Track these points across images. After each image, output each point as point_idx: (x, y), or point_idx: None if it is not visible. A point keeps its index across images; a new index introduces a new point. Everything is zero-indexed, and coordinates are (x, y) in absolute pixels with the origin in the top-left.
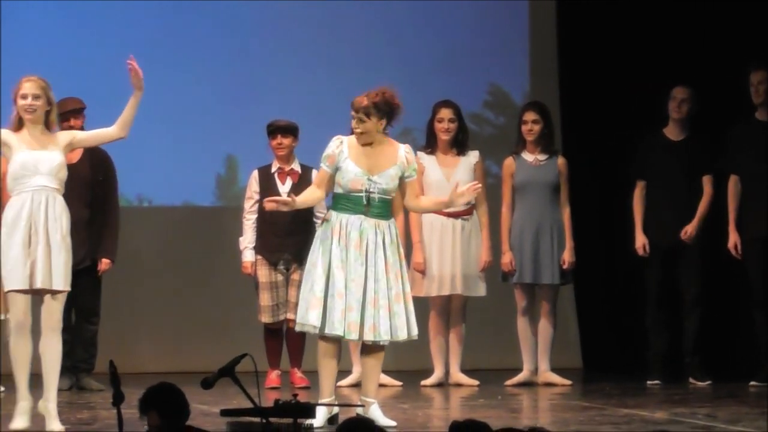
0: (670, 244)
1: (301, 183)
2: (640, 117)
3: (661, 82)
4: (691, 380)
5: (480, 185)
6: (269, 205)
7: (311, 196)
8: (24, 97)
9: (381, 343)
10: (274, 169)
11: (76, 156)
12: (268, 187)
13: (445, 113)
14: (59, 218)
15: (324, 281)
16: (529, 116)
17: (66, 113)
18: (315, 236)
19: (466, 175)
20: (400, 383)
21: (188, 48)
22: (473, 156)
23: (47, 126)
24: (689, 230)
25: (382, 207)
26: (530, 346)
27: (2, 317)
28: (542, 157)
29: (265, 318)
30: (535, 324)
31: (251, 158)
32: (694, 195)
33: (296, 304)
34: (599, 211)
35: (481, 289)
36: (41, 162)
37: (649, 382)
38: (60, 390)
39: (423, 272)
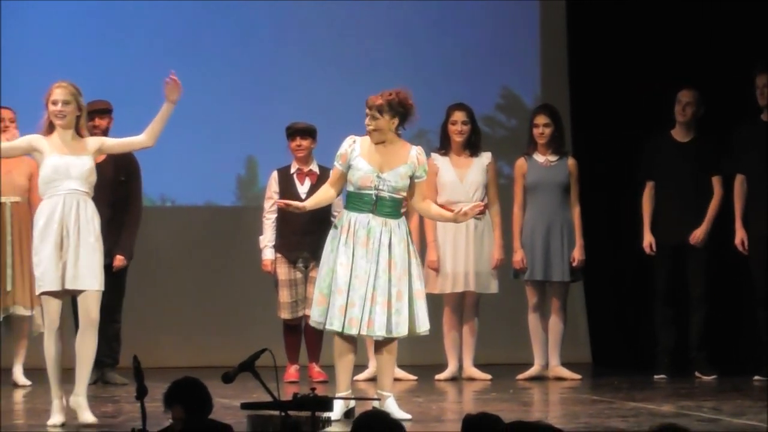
0: (677, 242)
1: (320, 183)
2: (649, 118)
3: (669, 83)
4: (697, 374)
5: (482, 204)
6: (280, 204)
7: (324, 195)
8: (54, 102)
9: (375, 338)
10: (293, 170)
11: (101, 156)
12: (287, 188)
13: (459, 116)
14: (91, 221)
15: (329, 279)
16: (540, 120)
17: (92, 113)
18: (329, 233)
19: (479, 176)
20: (415, 377)
21: (210, 52)
22: (486, 157)
23: (77, 131)
24: (699, 234)
25: (392, 206)
26: (541, 341)
27: (30, 313)
28: (553, 158)
29: (284, 314)
30: (545, 320)
31: (271, 159)
32: (701, 195)
33: None
34: (608, 210)
35: (493, 287)
36: (72, 167)
37: (655, 377)
38: None
39: (437, 270)
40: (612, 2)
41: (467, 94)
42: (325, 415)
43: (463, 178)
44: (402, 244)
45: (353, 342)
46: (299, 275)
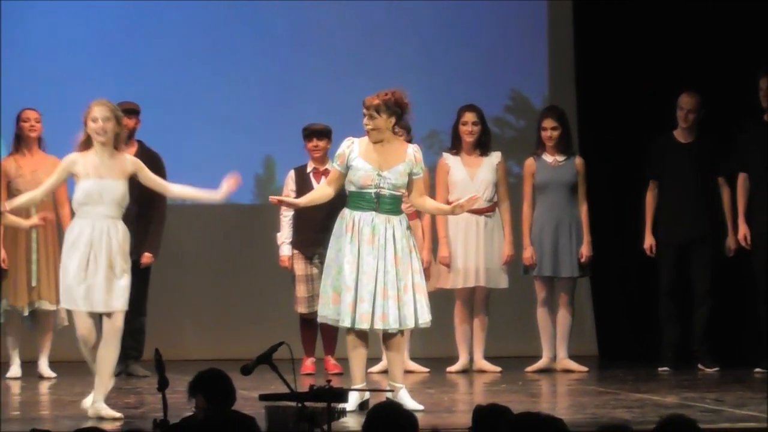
0: (681, 240)
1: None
2: (654, 119)
3: (674, 84)
4: (700, 367)
5: (478, 196)
6: (273, 200)
7: (320, 193)
8: (95, 120)
9: (390, 331)
10: (309, 169)
11: (130, 153)
12: (303, 186)
13: (469, 117)
14: (122, 244)
15: (338, 277)
16: (548, 123)
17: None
18: (332, 233)
19: (489, 175)
20: (428, 370)
21: (230, 56)
22: (495, 157)
23: (116, 147)
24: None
25: (392, 203)
26: (549, 334)
27: (55, 308)
28: (561, 158)
29: (301, 309)
30: (554, 314)
31: (287, 159)
32: (704, 194)
33: None
34: (614, 208)
35: (503, 282)
36: (105, 192)
37: (659, 369)
38: None
39: (449, 266)
40: (617, 6)
41: (478, 95)
42: (341, 406)
43: (473, 176)
44: (404, 240)
45: (365, 336)
46: (315, 271)
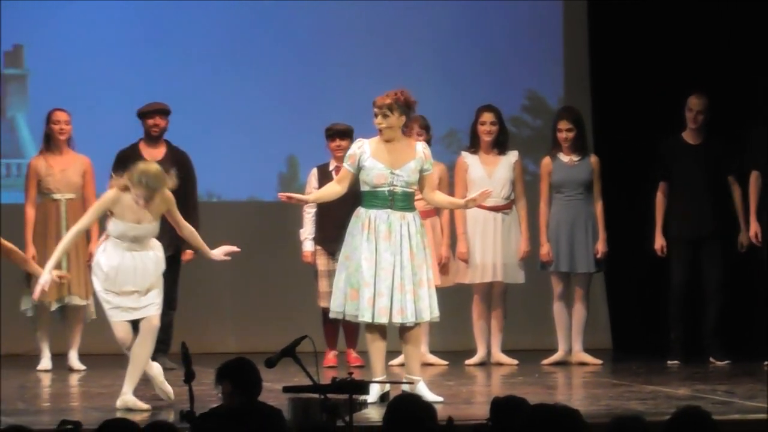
0: (692, 237)
1: (356, 181)
2: (667, 119)
3: (687, 85)
4: (711, 360)
5: (490, 191)
6: (283, 197)
7: (329, 190)
8: (136, 194)
9: (408, 325)
10: (331, 167)
11: (160, 154)
12: (325, 184)
13: (487, 117)
14: (157, 266)
15: (357, 274)
16: (563, 125)
17: (153, 112)
18: (347, 231)
19: (506, 173)
20: (446, 362)
21: (255, 58)
22: (512, 155)
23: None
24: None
25: (406, 199)
26: (565, 328)
27: (86, 303)
28: (576, 157)
29: (324, 303)
30: (569, 308)
31: (310, 157)
32: (713, 193)
33: None
34: (628, 205)
35: (520, 277)
36: (140, 234)
37: (669, 362)
38: None
39: (467, 261)
40: (631, 8)
41: (495, 96)
42: (362, 398)
43: (491, 174)
44: (418, 235)
45: (383, 330)
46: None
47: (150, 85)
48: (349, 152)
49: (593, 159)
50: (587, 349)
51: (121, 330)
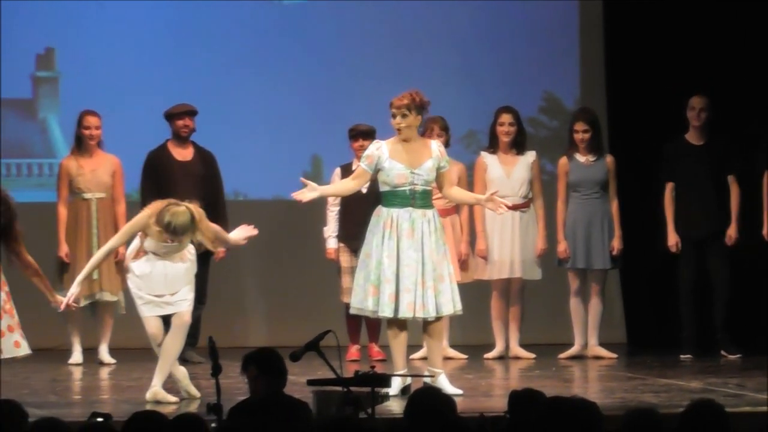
0: (699, 236)
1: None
2: (681, 120)
3: (702, 86)
4: (723, 353)
5: (505, 208)
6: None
7: (343, 186)
8: (167, 230)
9: (430, 319)
10: (354, 167)
11: (189, 154)
12: None
13: (506, 118)
14: (189, 271)
15: (378, 271)
16: (580, 126)
17: (182, 113)
18: (367, 229)
19: (524, 173)
20: (466, 356)
21: (279, 60)
22: (530, 156)
23: None
24: (731, 234)
25: (425, 197)
26: (581, 323)
27: (116, 299)
28: (592, 158)
29: (346, 298)
30: (585, 304)
31: (333, 157)
32: (718, 192)
33: None
34: (643, 204)
35: (537, 273)
36: (171, 252)
37: (681, 356)
38: None
39: (486, 258)
40: (645, 10)
41: (513, 97)
42: (384, 390)
43: (509, 174)
44: (437, 232)
45: (405, 324)
46: None
47: (178, 87)
48: (367, 152)
49: (609, 159)
50: (603, 344)
51: (152, 326)
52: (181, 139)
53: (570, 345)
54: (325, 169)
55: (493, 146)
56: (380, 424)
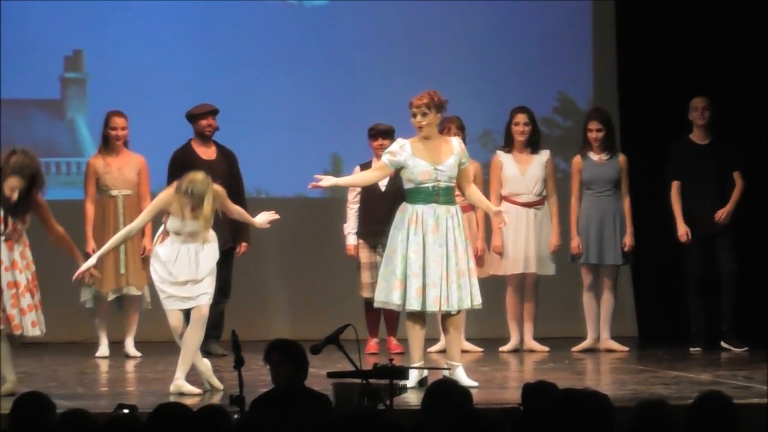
0: (705, 232)
1: (397, 177)
2: (689, 120)
3: (713, 86)
4: (729, 346)
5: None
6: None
7: (363, 177)
8: (183, 203)
9: (452, 313)
10: (373, 165)
11: (213, 153)
12: None
13: (521, 118)
14: (212, 256)
15: (403, 265)
16: (594, 125)
17: (207, 113)
18: (392, 225)
19: (539, 171)
20: (481, 349)
21: (300, 61)
22: (544, 154)
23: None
24: (722, 213)
25: (449, 193)
26: (594, 317)
27: (141, 293)
28: (605, 156)
29: (366, 293)
30: (598, 298)
31: (353, 156)
32: (723, 189)
33: None
34: (655, 202)
35: (551, 269)
36: (194, 231)
37: (691, 349)
38: None
39: (501, 254)
40: (657, 11)
41: (528, 98)
42: (402, 383)
43: (524, 172)
44: (460, 228)
45: (424, 318)
46: (379, 259)
47: (201, 87)
48: (391, 148)
49: (621, 158)
50: (614, 337)
51: (174, 318)
52: (204, 138)
53: (583, 338)
54: (344, 167)
55: (508, 145)
56: (398, 415)
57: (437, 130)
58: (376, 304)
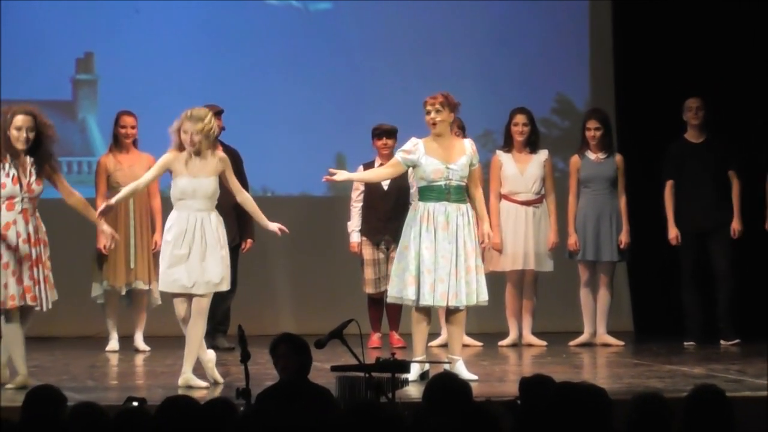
0: (700, 229)
1: (401, 176)
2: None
3: (710, 86)
4: (723, 341)
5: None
6: (330, 171)
7: (376, 172)
8: (185, 132)
9: (461, 308)
10: (377, 164)
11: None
12: None
13: (520, 118)
14: (215, 230)
15: (416, 261)
16: (592, 124)
17: (214, 114)
18: (405, 223)
19: (537, 170)
20: (481, 344)
21: (305, 62)
22: (543, 154)
23: (208, 148)
24: (736, 227)
25: (460, 192)
26: (590, 312)
27: (148, 287)
28: (603, 155)
29: (369, 289)
30: (594, 294)
31: (357, 155)
32: (717, 187)
33: None
34: (650, 200)
35: (549, 265)
36: (198, 189)
37: (685, 343)
38: None
39: (500, 251)
40: (654, 12)
41: (527, 99)
42: (404, 376)
43: (523, 172)
44: (470, 226)
45: (428, 313)
46: (382, 255)
47: (208, 88)
48: (405, 146)
49: (618, 157)
50: (611, 332)
51: (180, 309)
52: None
53: (580, 333)
54: (348, 166)
55: (507, 145)
56: (400, 408)
57: (449, 130)
58: (389, 300)
